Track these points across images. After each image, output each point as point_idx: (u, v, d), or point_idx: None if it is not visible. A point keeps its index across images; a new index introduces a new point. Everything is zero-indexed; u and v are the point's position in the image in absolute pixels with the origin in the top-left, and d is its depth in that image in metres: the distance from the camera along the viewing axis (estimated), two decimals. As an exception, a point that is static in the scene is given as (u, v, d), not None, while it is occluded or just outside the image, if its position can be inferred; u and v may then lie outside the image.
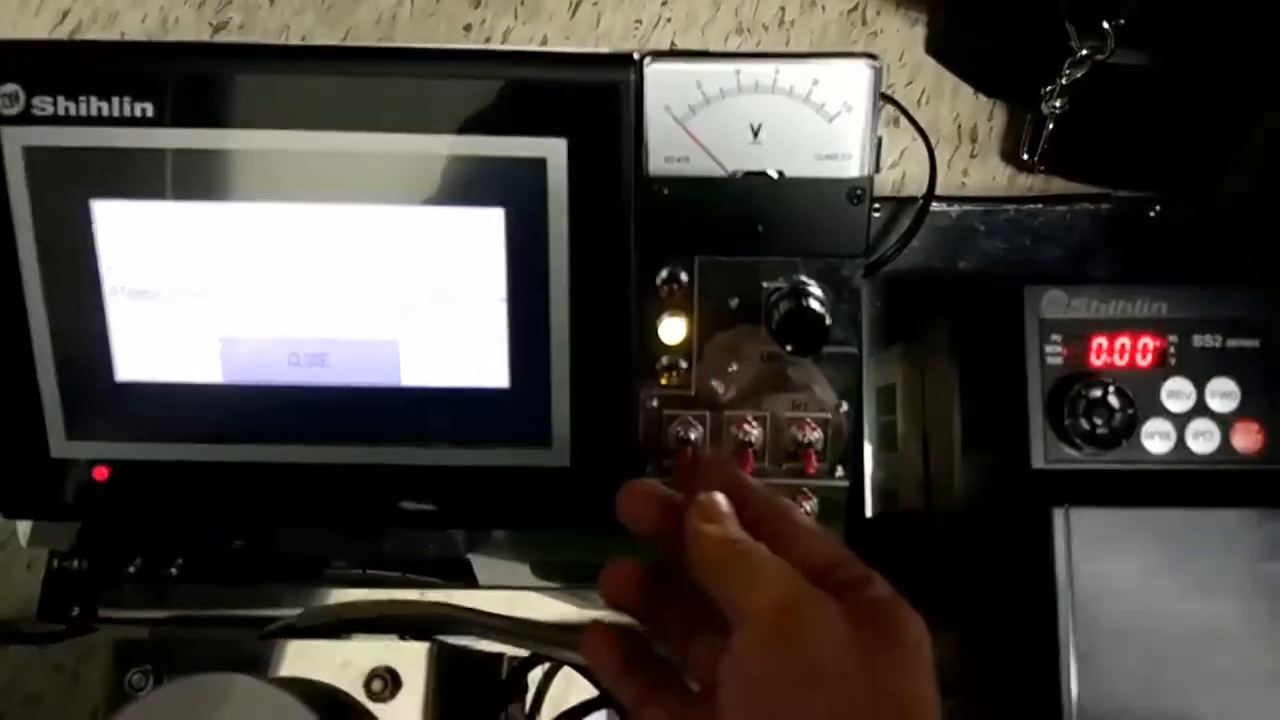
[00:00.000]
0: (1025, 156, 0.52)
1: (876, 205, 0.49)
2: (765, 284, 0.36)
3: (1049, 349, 0.35)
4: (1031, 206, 0.48)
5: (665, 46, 0.56)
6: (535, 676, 0.40)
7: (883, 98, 0.53)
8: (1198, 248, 0.48)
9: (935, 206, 0.48)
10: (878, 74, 0.35)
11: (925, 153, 0.50)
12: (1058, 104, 0.49)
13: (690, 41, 0.56)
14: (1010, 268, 0.47)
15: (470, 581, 0.40)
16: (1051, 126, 0.50)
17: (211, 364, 0.36)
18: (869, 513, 0.48)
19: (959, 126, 0.55)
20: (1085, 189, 0.51)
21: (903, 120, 0.52)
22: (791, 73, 0.34)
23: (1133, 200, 0.49)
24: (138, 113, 0.34)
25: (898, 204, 0.49)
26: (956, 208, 0.49)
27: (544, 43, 0.56)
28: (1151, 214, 0.48)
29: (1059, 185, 0.53)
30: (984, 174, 0.54)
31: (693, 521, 0.26)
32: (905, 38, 0.56)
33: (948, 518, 0.42)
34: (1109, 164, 0.51)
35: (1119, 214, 0.48)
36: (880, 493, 0.48)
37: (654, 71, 0.34)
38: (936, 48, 0.56)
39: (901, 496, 0.47)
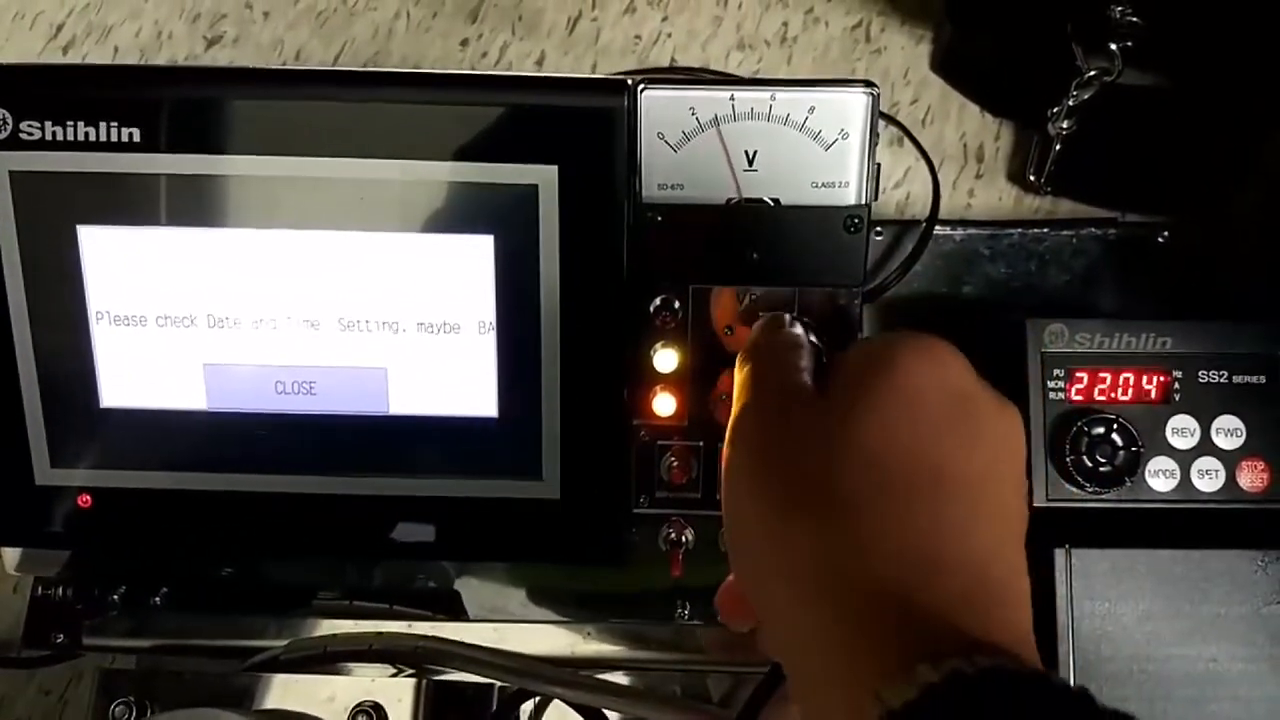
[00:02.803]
0: (1032, 178, 0.51)
1: (879, 229, 0.48)
2: (761, 314, 0.36)
3: (1051, 384, 0.34)
4: (1037, 231, 0.48)
5: (665, 63, 0.56)
6: (527, 709, 0.40)
7: (886, 118, 0.53)
8: (1207, 273, 0.47)
9: (939, 230, 0.47)
10: (875, 101, 0.34)
11: (929, 173, 0.49)
12: (1065, 125, 0.48)
13: (690, 58, 0.56)
14: (1015, 294, 0.46)
15: (459, 614, 0.39)
16: (1058, 148, 0.49)
17: (196, 391, 0.35)
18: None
19: (965, 146, 0.54)
20: (1092, 212, 0.50)
21: (907, 140, 0.52)
22: (787, 100, 0.34)
23: (1141, 225, 0.48)
24: (125, 138, 0.33)
25: (901, 227, 0.48)
26: (960, 231, 0.48)
27: (542, 58, 0.55)
28: (1160, 239, 0.47)
29: (1066, 207, 0.52)
30: (990, 195, 0.54)
31: None
32: (910, 55, 0.55)
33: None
34: (1117, 186, 0.50)
35: (1126, 239, 0.47)
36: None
37: (648, 98, 0.34)
38: (942, 65, 0.55)
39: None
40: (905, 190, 0.54)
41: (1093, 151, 0.49)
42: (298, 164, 0.33)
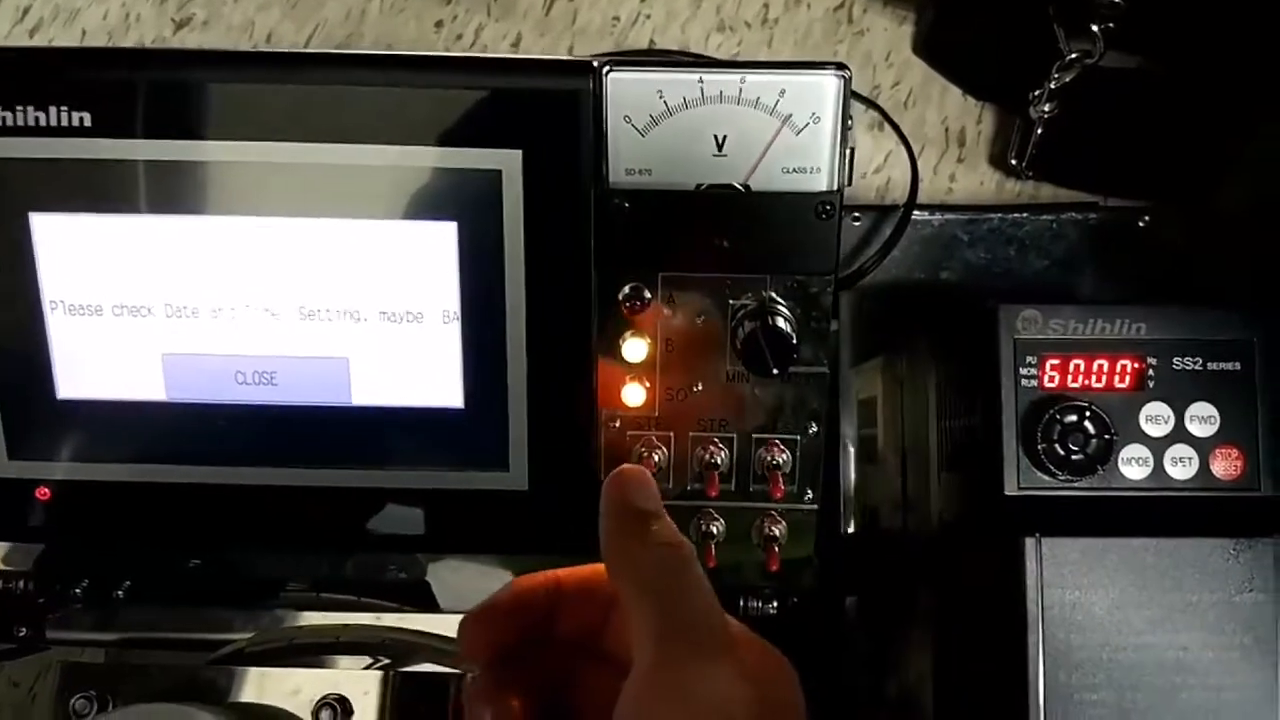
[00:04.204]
0: (1013, 161, 0.50)
1: (857, 214, 0.47)
2: (731, 301, 0.35)
3: (1023, 370, 0.33)
4: (1016, 216, 0.47)
5: (643, 44, 0.55)
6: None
7: (866, 102, 0.52)
8: (1187, 259, 0.46)
9: (918, 215, 0.47)
10: (847, 84, 0.33)
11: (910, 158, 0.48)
12: (1046, 108, 0.48)
13: (669, 40, 0.55)
14: (993, 279, 0.46)
15: (430, 605, 0.39)
16: (1040, 131, 0.49)
17: (154, 382, 0.34)
18: (850, 528, 0.47)
19: (946, 129, 0.54)
20: (1072, 197, 0.49)
21: (888, 124, 0.51)
22: (757, 83, 0.33)
23: (1121, 210, 0.47)
24: (76, 123, 0.32)
25: (879, 213, 0.48)
26: (939, 216, 0.47)
27: (518, 40, 0.54)
28: (1140, 224, 0.47)
29: (1048, 191, 0.51)
30: (971, 179, 0.53)
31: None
32: (893, 37, 0.55)
33: (923, 539, 0.41)
34: (1099, 170, 0.50)
35: (1106, 224, 0.47)
36: (861, 508, 0.47)
37: (614, 80, 0.33)
38: (924, 48, 0.54)
39: (881, 513, 0.46)
40: (886, 175, 0.53)
41: (1075, 135, 0.48)
42: (256, 149, 0.32)
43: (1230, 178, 0.47)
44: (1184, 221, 0.47)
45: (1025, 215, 0.47)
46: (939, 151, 0.53)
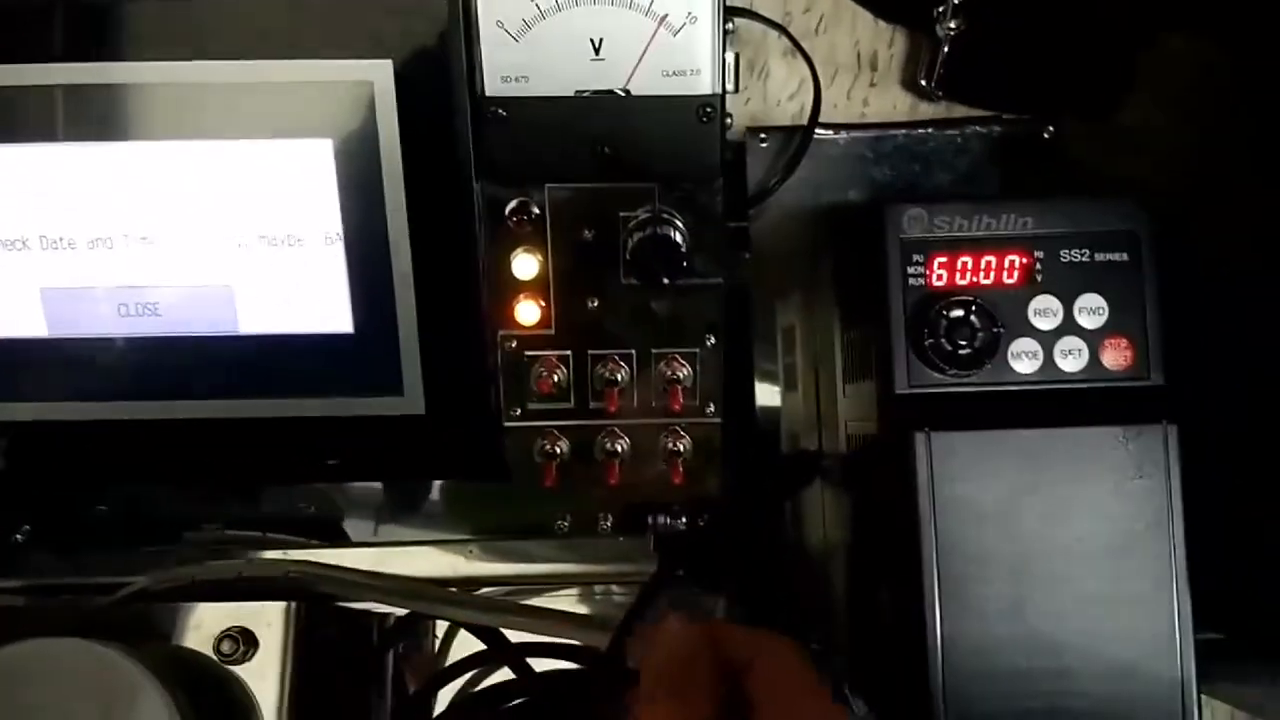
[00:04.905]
0: (923, 83, 0.50)
1: (763, 136, 0.47)
2: (622, 214, 0.35)
3: (910, 269, 0.33)
4: (921, 132, 0.47)
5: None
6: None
7: (775, 27, 0.52)
8: (1091, 169, 0.47)
9: (823, 135, 0.47)
10: (722, -18, 0.33)
11: (828, 86, 0.48)
12: (952, 25, 0.47)
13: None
14: (900, 195, 0.46)
15: (342, 540, 0.39)
16: (947, 50, 0.48)
17: (34, 317, 0.34)
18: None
19: (858, 54, 0.53)
20: (979, 112, 0.49)
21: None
22: (631, -17, 0.32)
23: (1025, 122, 0.47)
24: (-71, 49, 0.31)
25: (786, 134, 0.47)
26: (844, 135, 0.47)
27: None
28: (1045, 135, 0.47)
29: (961, 112, 0.51)
30: (884, 103, 0.53)
31: None
32: (803, -36, 0.54)
33: (832, 453, 0.41)
34: (1006, 87, 0.50)
35: (1011, 136, 0.47)
36: (788, 434, 0.48)
37: (485, -15, 0.32)
38: (833, -28, 0.54)
39: (801, 436, 0.47)
40: (799, 102, 0.52)
41: (982, 52, 0.48)
42: (123, 70, 0.32)
43: (1132, 88, 0.47)
44: (1089, 131, 0.47)
45: (930, 131, 0.47)
46: (851, 76, 0.53)
